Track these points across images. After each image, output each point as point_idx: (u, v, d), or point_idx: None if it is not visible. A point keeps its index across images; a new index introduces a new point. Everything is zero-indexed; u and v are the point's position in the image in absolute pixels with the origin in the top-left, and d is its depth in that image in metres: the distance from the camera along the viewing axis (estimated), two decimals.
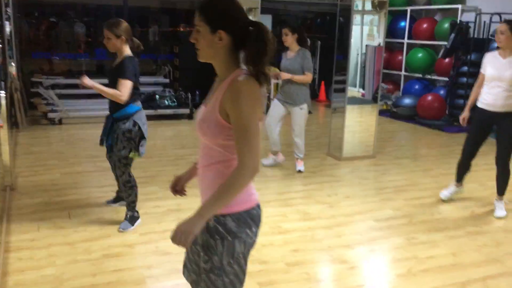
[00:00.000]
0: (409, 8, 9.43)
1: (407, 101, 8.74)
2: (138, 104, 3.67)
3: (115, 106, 3.60)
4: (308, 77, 5.08)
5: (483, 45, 7.82)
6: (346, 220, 4.06)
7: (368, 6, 6.22)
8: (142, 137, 3.64)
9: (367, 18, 6.30)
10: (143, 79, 8.98)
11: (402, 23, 9.59)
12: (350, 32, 5.80)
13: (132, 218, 3.77)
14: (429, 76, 9.17)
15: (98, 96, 8.97)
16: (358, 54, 7.67)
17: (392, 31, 9.57)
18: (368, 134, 6.16)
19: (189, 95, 8.20)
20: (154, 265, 3.18)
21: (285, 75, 5.08)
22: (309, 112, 5.35)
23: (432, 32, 9.01)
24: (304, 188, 4.86)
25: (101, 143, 3.82)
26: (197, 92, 8.77)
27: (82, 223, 3.80)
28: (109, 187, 4.63)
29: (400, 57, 9.71)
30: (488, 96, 4.03)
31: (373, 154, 6.13)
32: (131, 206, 3.77)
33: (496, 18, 7.68)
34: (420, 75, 9.26)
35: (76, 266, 3.12)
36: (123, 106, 3.55)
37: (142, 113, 3.68)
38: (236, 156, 1.55)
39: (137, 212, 3.82)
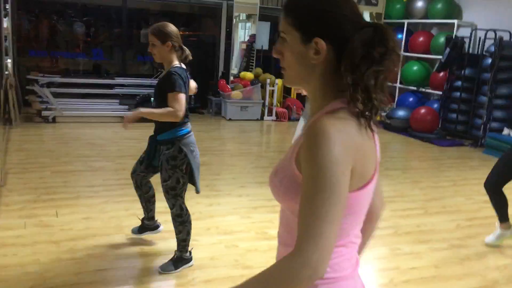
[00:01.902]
0: (406, 21, 9.52)
1: (401, 113, 8.80)
2: (187, 126, 3.04)
3: (159, 126, 3.04)
4: None
5: (477, 61, 7.91)
6: None
7: (366, 18, 6.29)
8: (190, 165, 3.03)
9: None
10: (139, 81, 9.08)
11: (399, 36, 9.67)
12: None
13: (179, 260, 3.15)
14: (423, 89, 9.24)
15: (92, 96, 8.98)
16: None
17: None
18: None
19: None
20: (138, 267, 3.20)
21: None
22: None
23: (428, 46, 9.10)
24: None
25: (143, 164, 3.25)
26: (192, 96, 8.78)
27: (69, 222, 3.81)
28: (99, 186, 4.65)
29: (395, 69, 9.76)
30: None
31: None
32: (181, 246, 3.13)
33: (491, 34, 7.76)
34: (415, 88, 9.33)
35: (60, 265, 3.13)
36: (168, 127, 2.97)
37: (191, 138, 3.05)
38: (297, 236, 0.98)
39: (189, 253, 3.18)
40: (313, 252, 0.94)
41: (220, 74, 9.60)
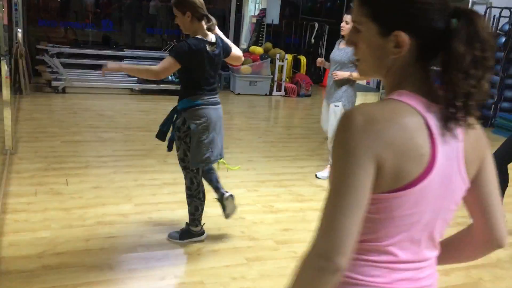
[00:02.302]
0: None
1: None
2: (199, 98, 2.90)
3: (179, 94, 3.01)
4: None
5: None
6: None
7: None
8: (198, 140, 2.92)
9: None
10: (148, 53, 9.05)
11: None
12: None
13: (186, 233, 3.18)
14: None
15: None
16: None
17: None
18: None
19: None
20: (146, 235, 3.26)
21: (341, 75, 4.33)
22: None
23: None
24: (300, 171, 4.91)
25: (158, 135, 3.15)
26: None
27: (79, 190, 3.87)
28: (108, 157, 4.71)
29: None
30: None
31: None
32: (190, 219, 3.14)
33: (506, 12, 7.62)
34: None
35: (70, 231, 3.20)
36: (183, 96, 2.94)
37: (203, 111, 2.90)
38: None
39: (200, 227, 3.19)
40: (323, 242, 0.89)
41: None
